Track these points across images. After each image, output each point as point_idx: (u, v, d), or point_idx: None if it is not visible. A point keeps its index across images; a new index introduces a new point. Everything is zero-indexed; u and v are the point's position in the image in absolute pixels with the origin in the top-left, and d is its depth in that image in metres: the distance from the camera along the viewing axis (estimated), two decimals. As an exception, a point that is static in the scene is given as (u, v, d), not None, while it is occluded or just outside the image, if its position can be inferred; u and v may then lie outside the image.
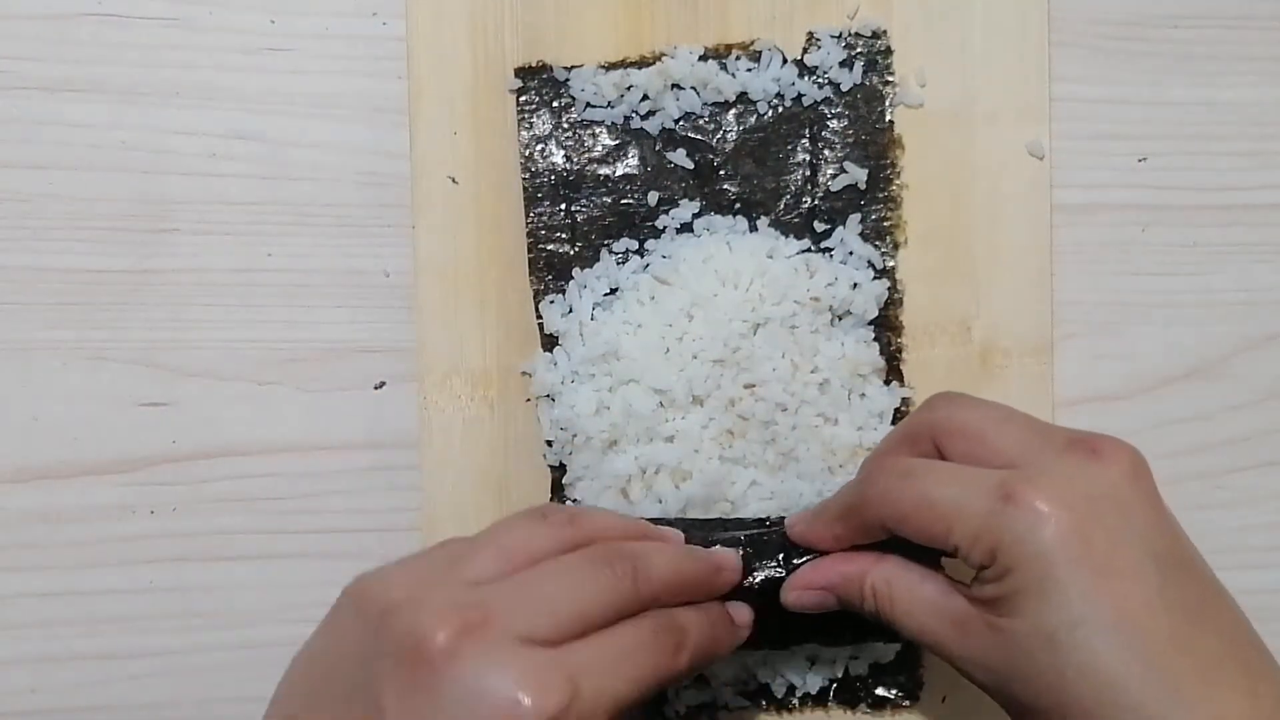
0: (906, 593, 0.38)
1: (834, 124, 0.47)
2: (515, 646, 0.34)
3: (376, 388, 0.47)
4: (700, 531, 0.42)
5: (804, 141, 0.47)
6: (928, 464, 0.38)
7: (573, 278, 0.46)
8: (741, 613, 0.41)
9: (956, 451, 0.38)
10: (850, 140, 0.47)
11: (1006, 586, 0.35)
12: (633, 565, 0.37)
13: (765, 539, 0.42)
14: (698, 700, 0.46)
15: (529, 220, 0.46)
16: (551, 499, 0.46)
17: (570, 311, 0.46)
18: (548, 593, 0.35)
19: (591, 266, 0.46)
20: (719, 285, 0.45)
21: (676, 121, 0.47)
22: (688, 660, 0.37)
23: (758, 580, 0.41)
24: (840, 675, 0.46)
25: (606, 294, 0.46)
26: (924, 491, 0.37)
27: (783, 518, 0.43)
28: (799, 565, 0.41)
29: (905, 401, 0.46)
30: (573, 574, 0.36)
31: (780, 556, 0.41)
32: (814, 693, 0.46)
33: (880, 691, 0.46)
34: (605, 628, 0.36)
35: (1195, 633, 0.34)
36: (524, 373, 0.46)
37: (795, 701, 0.46)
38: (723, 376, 0.44)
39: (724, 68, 0.47)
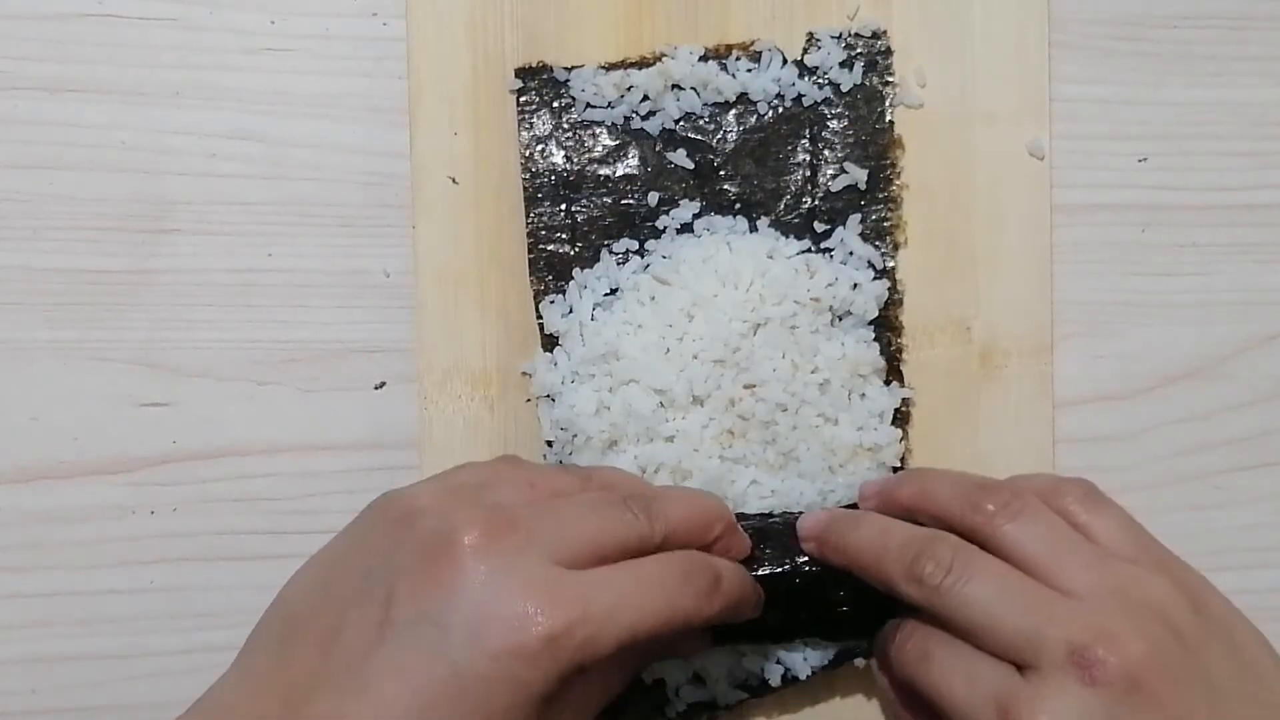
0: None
1: (834, 124, 0.47)
2: (537, 559, 0.34)
3: (376, 388, 0.47)
4: None
5: (804, 142, 0.47)
6: (942, 656, 0.39)
7: (573, 278, 0.46)
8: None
9: (968, 639, 0.38)
10: (850, 140, 0.47)
11: None
12: (649, 508, 0.38)
13: (768, 531, 0.42)
14: (695, 698, 0.46)
15: (529, 220, 0.46)
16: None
17: (570, 312, 0.46)
18: (569, 518, 0.36)
19: (591, 267, 0.46)
20: (719, 285, 0.45)
21: (677, 122, 0.47)
22: (720, 604, 0.38)
23: (760, 573, 0.41)
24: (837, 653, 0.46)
25: (606, 294, 0.46)
26: (940, 676, 0.38)
27: (785, 513, 0.43)
28: (801, 561, 0.42)
29: (905, 401, 0.46)
30: (593, 508, 0.37)
31: (783, 550, 0.42)
32: (816, 668, 0.46)
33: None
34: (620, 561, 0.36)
35: None
36: (524, 373, 0.46)
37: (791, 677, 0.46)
38: (723, 376, 0.44)
39: (724, 68, 0.47)
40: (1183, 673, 0.36)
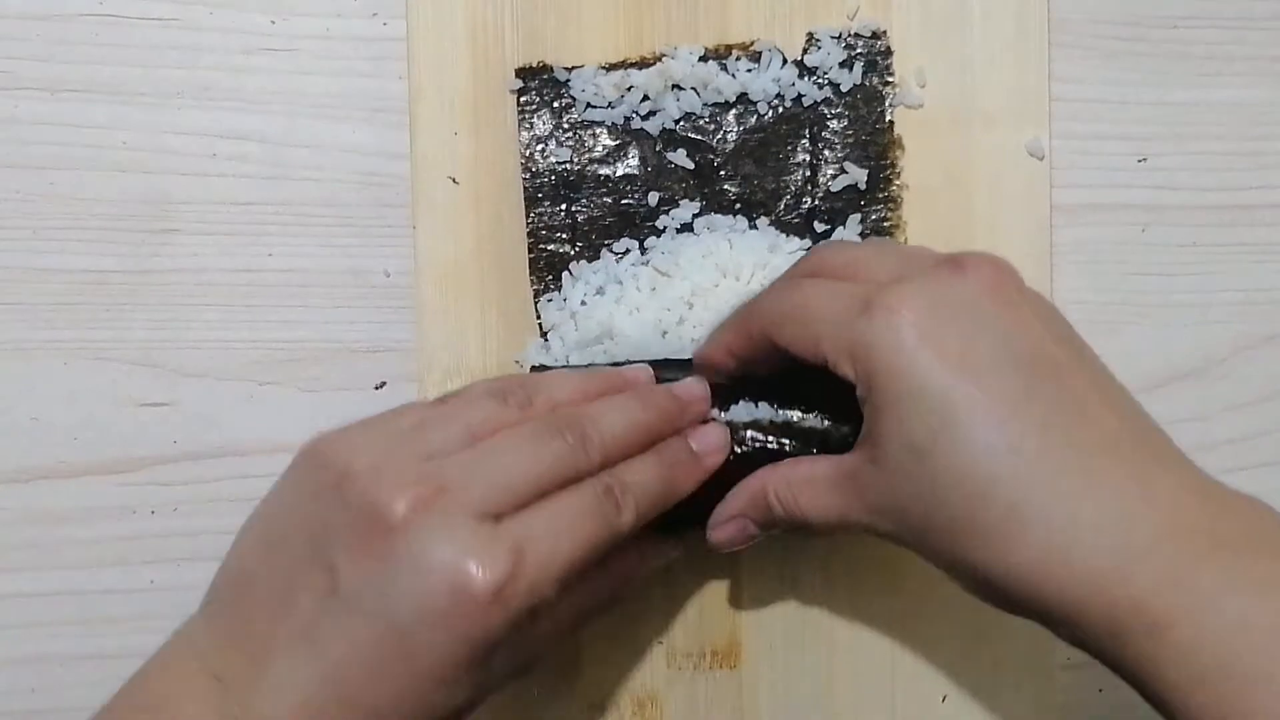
0: (805, 481, 0.38)
1: (834, 124, 0.47)
2: (467, 520, 0.34)
3: (377, 388, 0.47)
4: (677, 372, 0.42)
5: (804, 142, 0.47)
6: (811, 280, 0.38)
7: (570, 273, 0.46)
8: (711, 438, 0.40)
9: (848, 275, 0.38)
10: (850, 141, 0.47)
11: (873, 407, 0.35)
12: (583, 432, 0.37)
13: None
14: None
15: (529, 220, 0.46)
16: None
17: (565, 301, 0.46)
18: (502, 464, 0.36)
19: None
20: (719, 276, 0.45)
21: (677, 122, 0.47)
22: (631, 518, 0.37)
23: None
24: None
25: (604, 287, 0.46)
26: (801, 300, 0.37)
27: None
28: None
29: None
30: (525, 445, 0.36)
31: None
32: None
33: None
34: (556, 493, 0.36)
35: (1073, 428, 0.33)
36: (515, 361, 0.46)
37: None
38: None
39: (724, 68, 0.47)
40: (1044, 308, 0.36)
